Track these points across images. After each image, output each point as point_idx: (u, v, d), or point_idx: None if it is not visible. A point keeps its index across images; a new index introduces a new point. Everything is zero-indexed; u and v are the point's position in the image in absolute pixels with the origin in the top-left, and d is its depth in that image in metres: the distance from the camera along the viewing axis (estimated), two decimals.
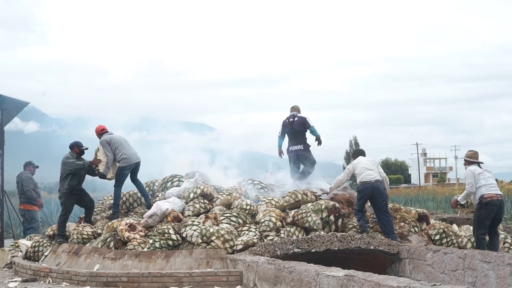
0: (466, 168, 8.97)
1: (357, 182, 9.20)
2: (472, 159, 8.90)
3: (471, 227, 9.65)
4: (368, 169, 9.09)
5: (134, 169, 10.01)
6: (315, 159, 11.34)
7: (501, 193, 8.71)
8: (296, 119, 11.19)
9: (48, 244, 9.87)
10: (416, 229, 9.32)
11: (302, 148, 11.19)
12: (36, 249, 9.82)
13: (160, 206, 9.10)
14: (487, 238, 8.69)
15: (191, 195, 9.44)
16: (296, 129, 11.17)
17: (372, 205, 9.20)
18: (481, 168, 8.83)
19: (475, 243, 8.80)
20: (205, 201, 9.37)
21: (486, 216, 8.51)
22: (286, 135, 11.36)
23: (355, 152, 9.78)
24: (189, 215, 9.08)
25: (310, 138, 11.38)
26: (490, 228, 8.64)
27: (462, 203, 9.31)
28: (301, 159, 11.20)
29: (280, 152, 11.48)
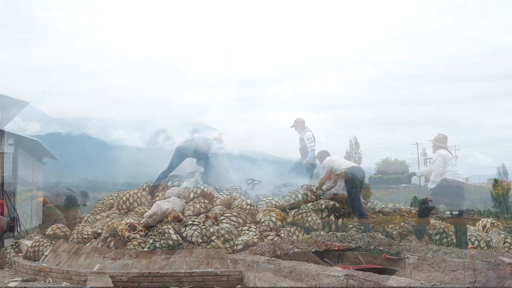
0: (434, 152, 8.93)
1: (343, 171, 9.43)
2: (440, 143, 8.83)
3: (472, 227, 9.66)
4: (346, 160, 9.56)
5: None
6: None
7: (464, 181, 8.73)
8: None
9: (48, 244, 9.88)
10: None
11: None
12: (36, 248, 9.83)
13: (160, 206, 9.10)
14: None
15: (191, 195, 9.44)
16: None
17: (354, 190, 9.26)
18: (451, 154, 8.77)
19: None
20: (205, 201, 9.38)
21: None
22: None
23: (324, 153, 9.96)
24: (189, 215, 9.08)
25: None
26: None
27: (431, 187, 9.13)
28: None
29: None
